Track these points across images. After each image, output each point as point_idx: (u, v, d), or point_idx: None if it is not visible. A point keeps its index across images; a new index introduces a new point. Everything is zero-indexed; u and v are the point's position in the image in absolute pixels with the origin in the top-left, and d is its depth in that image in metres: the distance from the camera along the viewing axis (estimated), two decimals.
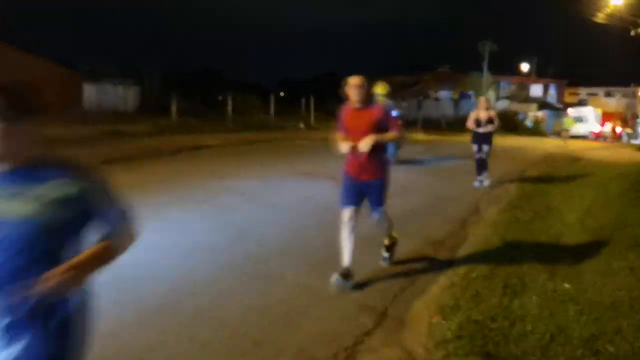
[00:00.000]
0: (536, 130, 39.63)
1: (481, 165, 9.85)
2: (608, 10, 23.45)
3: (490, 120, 9.65)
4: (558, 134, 23.53)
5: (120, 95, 28.55)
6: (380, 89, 10.07)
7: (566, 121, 25.46)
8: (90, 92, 26.93)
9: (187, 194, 8.08)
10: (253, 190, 8.74)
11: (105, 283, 4.18)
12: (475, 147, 9.88)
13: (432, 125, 33.97)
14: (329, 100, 35.89)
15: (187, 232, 5.96)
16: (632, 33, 22.57)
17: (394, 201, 8.27)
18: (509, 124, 37.31)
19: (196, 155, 13.92)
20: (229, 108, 25.08)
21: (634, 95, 49.87)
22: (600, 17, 23.95)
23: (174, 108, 21.51)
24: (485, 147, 9.75)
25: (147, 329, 3.48)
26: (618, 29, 24.93)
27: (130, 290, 4.16)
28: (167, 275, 4.53)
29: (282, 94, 36.04)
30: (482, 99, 9.56)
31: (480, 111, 9.70)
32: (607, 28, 25.48)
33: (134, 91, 29.52)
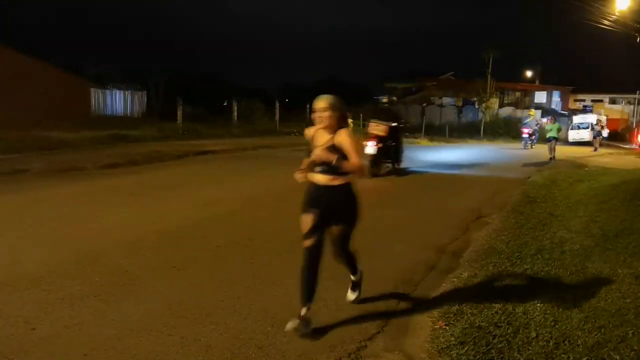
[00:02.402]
0: (540, 137, 39.63)
1: (310, 274, 3.58)
2: (613, 17, 23.47)
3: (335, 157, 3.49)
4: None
5: (126, 100, 28.75)
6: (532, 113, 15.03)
7: (549, 127, 20.18)
8: (97, 98, 27.13)
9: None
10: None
11: (100, 287, 4.22)
12: (310, 217, 3.60)
13: (435, 132, 34.07)
14: None
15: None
16: (638, 40, 22.52)
17: (396, 208, 8.31)
18: (512, 130, 37.42)
19: (201, 160, 14.00)
20: (234, 114, 25.19)
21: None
22: (605, 24, 23.98)
23: (179, 113, 21.64)
24: (342, 224, 3.74)
25: (151, 332, 3.48)
26: (623, 35, 24.93)
27: (132, 293, 4.18)
28: (169, 276, 4.56)
29: (287, 100, 36.09)
30: (319, 100, 3.62)
31: (319, 133, 3.70)
32: (612, 35, 25.47)
33: (139, 96, 29.71)
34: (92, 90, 26.78)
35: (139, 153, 13.85)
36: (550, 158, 18.61)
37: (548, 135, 19.61)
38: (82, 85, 25.16)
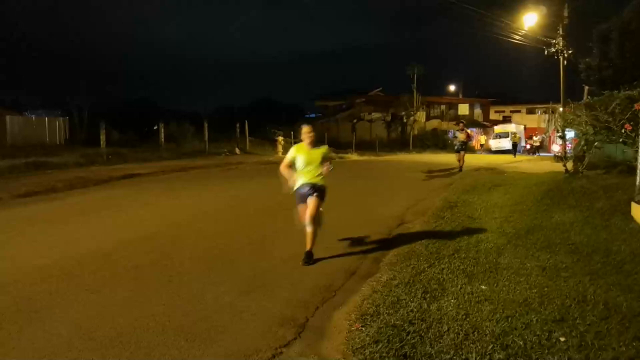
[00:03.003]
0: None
1: None
2: (523, 31, 25.13)
3: None
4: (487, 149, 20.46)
5: (46, 127, 27.47)
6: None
7: (458, 134, 19.29)
8: (13, 124, 25.78)
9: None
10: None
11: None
12: None
13: (366, 146, 34.79)
14: (265, 126, 36.05)
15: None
16: (546, 53, 24.11)
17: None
18: (440, 142, 38.89)
19: (124, 184, 13.55)
20: (162, 136, 24.65)
21: (553, 111, 53.02)
22: (516, 38, 25.62)
23: (102, 138, 20.90)
24: None
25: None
26: (535, 50, 26.69)
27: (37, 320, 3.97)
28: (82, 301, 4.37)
29: (219, 121, 35.77)
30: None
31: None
32: (526, 49, 27.18)
33: (61, 123, 28.49)
34: (8, 117, 25.44)
35: (59, 180, 13.22)
36: (460, 167, 18.15)
37: (457, 143, 19.00)
38: None
